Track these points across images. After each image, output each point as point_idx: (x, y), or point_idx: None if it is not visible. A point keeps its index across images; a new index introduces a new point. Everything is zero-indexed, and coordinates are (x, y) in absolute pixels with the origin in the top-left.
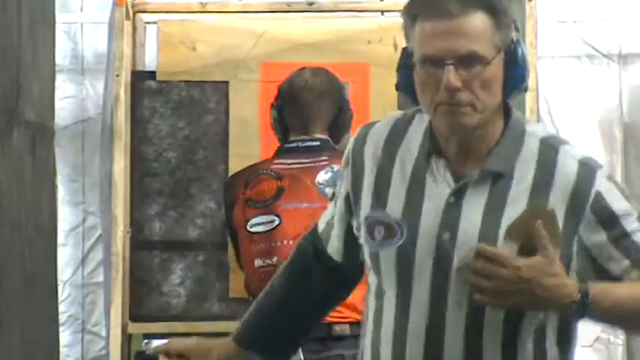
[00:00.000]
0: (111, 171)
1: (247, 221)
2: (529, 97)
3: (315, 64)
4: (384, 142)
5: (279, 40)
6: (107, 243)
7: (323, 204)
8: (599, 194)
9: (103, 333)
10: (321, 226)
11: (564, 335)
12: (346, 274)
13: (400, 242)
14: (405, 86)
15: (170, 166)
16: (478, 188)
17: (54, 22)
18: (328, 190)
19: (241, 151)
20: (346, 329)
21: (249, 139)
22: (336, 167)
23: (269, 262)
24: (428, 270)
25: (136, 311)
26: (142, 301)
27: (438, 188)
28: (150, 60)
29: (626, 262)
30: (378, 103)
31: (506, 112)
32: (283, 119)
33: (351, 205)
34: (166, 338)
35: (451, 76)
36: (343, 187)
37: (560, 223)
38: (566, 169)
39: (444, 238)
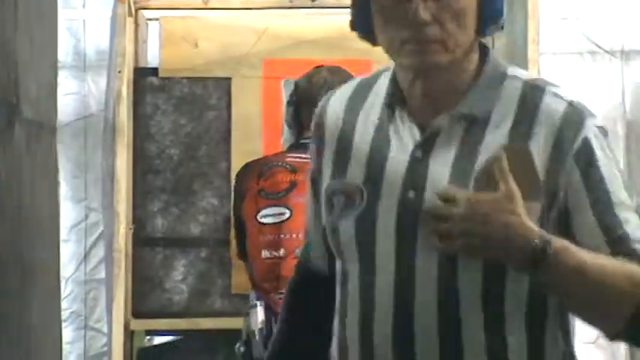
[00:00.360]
0: (113, 167)
1: (258, 212)
2: None
3: (317, 61)
4: (345, 106)
5: (282, 36)
6: (109, 240)
7: None
8: (586, 141)
9: (105, 329)
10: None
11: (566, 328)
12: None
13: (361, 208)
14: (362, 25)
15: (172, 163)
16: (448, 138)
17: (55, 18)
18: None
19: (243, 148)
20: None
21: (252, 136)
22: None
23: (276, 254)
24: (392, 231)
25: (138, 308)
26: (144, 297)
27: (403, 144)
28: (152, 57)
29: (600, 239)
30: None
31: (482, 53)
32: (299, 116)
33: (317, 189)
34: (169, 335)
35: (420, 7)
36: (310, 174)
37: (542, 174)
38: (551, 110)
39: (409, 196)
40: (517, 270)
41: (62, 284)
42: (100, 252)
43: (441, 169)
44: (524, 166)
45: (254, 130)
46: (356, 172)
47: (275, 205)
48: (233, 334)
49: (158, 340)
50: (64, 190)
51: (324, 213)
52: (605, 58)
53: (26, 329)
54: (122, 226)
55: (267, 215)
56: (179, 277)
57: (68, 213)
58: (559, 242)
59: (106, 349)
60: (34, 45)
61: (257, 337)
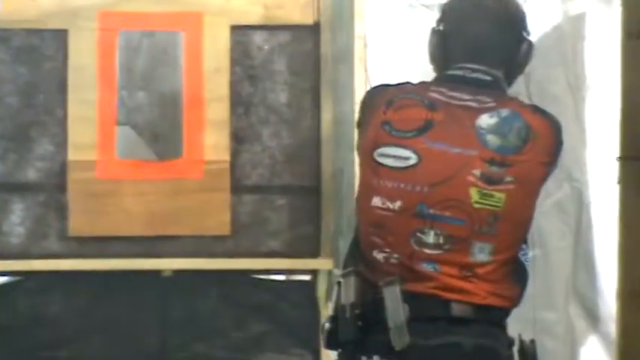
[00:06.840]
0: None
1: (377, 148)
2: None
3: (151, 13)
4: None
5: None
6: None
7: (480, 153)
8: None
9: None
10: None
11: None
12: None
13: None
14: None
15: (11, 111)
16: None
17: None
18: (490, 138)
19: (78, 97)
20: (468, 311)
21: (86, 86)
22: (504, 112)
23: (390, 205)
24: None
25: None
26: None
27: None
28: None
29: None
30: (211, 52)
31: None
32: (445, 44)
33: None
34: (5, 276)
35: None
36: None
37: None
38: None
39: None
40: None
41: None
42: None
43: None
44: None
45: (89, 81)
46: None
47: (399, 146)
48: (69, 275)
49: None
50: None
51: None
52: None
53: None
54: None
55: (388, 155)
56: (17, 220)
57: None
58: None
59: None
60: None
61: (347, 314)
